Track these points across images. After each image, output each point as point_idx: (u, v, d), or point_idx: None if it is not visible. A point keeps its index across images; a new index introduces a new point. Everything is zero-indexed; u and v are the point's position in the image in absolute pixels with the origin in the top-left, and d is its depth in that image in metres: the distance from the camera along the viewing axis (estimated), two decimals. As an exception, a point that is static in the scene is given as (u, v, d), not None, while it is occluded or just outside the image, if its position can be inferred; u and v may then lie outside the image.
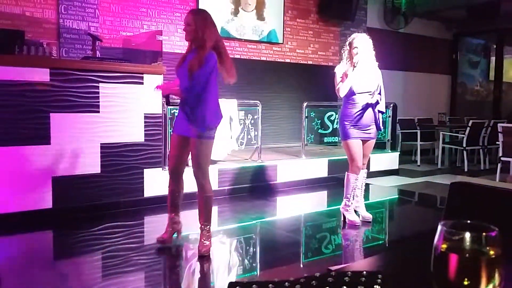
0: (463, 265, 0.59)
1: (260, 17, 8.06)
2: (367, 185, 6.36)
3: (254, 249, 4.04)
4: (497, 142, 6.96)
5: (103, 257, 3.62)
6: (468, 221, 0.63)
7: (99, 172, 4.62)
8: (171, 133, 3.70)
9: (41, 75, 4.28)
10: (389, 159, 7.59)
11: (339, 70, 4.30)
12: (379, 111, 4.38)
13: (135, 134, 4.81)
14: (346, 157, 4.49)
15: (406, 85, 10.25)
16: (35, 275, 3.21)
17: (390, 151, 7.64)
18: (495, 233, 0.60)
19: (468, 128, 7.91)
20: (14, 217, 4.16)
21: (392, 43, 9.59)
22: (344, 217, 4.52)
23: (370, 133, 4.37)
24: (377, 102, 4.34)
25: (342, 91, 4.23)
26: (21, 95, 4.20)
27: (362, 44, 4.21)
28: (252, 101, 6.33)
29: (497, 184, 1.27)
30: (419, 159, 8.53)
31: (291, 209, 5.59)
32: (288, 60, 8.46)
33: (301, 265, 3.63)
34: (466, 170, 7.82)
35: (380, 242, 4.34)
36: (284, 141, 8.21)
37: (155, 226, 4.63)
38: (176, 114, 3.89)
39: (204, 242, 3.47)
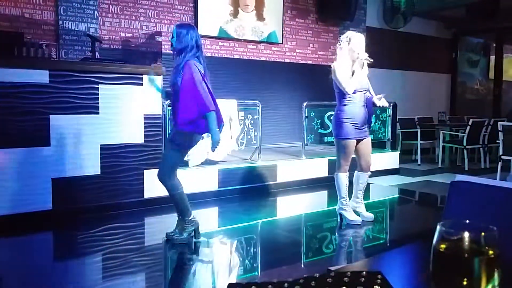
0: (462, 265, 0.59)
1: (260, 17, 8.06)
2: (368, 184, 6.36)
3: (255, 250, 4.03)
4: (497, 141, 6.96)
5: (103, 258, 3.62)
6: (467, 221, 0.63)
7: (99, 173, 4.62)
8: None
9: (41, 76, 4.28)
10: (390, 159, 7.59)
11: (340, 67, 4.23)
12: (370, 100, 4.36)
13: (135, 135, 4.81)
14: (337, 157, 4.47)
15: (405, 84, 10.25)
16: (36, 277, 3.21)
17: (390, 150, 7.63)
18: (494, 233, 0.60)
19: (468, 127, 7.91)
20: (14, 219, 4.16)
21: (391, 42, 9.60)
22: (341, 219, 4.51)
23: (366, 131, 4.38)
24: (370, 101, 4.34)
25: (351, 89, 4.18)
26: (21, 96, 4.20)
27: (361, 43, 4.22)
28: (251, 101, 6.33)
29: (497, 183, 1.26)
30: (420, 158, 8.52)
31: (291, 209, 5.59)
32: (287, 60, 8.46)
33: (302, 265, 3.62)
34: (466, 169, 7.81)
35: (381, 241, 4.34)
36: (284, 141, 8.21)
37: (155, 227, 4.64)
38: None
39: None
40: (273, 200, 5.79)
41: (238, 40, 7.80)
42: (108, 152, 4.65)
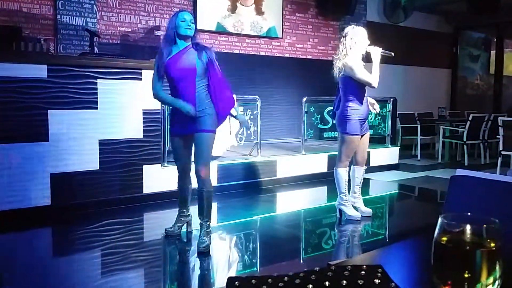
0: (464, 257, 0.58)
1: (259, 11, 8.02)
2: (367, 180, 6.37)
3: (254, 245, 4.03)
4: (497, 136, 6.95)
5: (102, 254, 3.61)
6: (469, 214, 0.63)
7: (98, 168, 4.61)
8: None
9: (39, 71, 4.27)
10: (389, 154, 7.58)
11: (357, 62, 4.17)
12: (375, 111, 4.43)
13: (134, 130, 4.80)
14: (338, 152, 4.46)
15: (406, 79, 10.24)
16: (35, 273, 3.20)
17: (390, 145, 7.63)
18: (496, 225, 0.59)
19: (469, 122, 7.91)
20: (13, 214, 4.15)
21: (392, 37, 9.56)
22: (341, 214, 4.51)
23: (367, 126, 4.39)
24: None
25: (377, 80, 4.17)
26: (19, 91, 4.18)
27: (365, 36, 4.23)
28: (251, 96, 6.31)
29: (497, 177, 1.26)
30: (419, 153, 8.53)
31: (291, 204, 5.59)
32: (287, 55, 8.44)
33: (301, 261, 3.62)
34: (466, 164, 7.81)
35: (380, 237, 4.34)
36: (284, 136, 8.20)
37: (154, 223, 4.63)
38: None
39: (204, 238, 3.46)
40: (273, 196, 5.78)
41: (238, 34, 7.78)
42: (107, 148, 4.65)
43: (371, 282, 0.74)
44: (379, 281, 0.74)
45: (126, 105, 4.74)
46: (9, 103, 4.15)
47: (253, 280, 0.76)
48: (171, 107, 3.62)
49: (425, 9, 10.37)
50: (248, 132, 6.12)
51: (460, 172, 1.33)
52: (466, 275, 0.57)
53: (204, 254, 3.43)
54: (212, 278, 3.22)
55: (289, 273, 0.79)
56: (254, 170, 5.95)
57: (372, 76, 4.16)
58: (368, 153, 6.65)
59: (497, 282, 0.58)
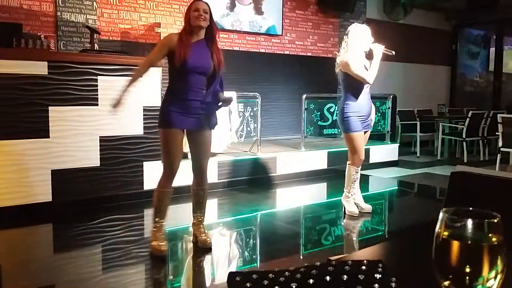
0: (465, 252, 0.59)
1: (258, 11, 7.98)
2: (367, 176, 6.38)
3: (254, 241, 4.04)
4: (496, 133, 6.96)
5: (103, 250, 3.62)
6: (470, 208, 0.63)
7: (99, 165, 4.62)
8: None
9: (39, 68, 4.26)
10: (389, 151, 7.59)
11: (354, 59, 4.16)
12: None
13: (134, 127, 4.80)
14: (345, 148, 4.47)
15: (405, 77, 10.23)
16: (36, 269, 3.21)
17: (389, 142, 7.63)
18: (497, 220, 0.60)
19: (468, 119, 7.91)
20: (14, 211, 4.16)
21: (391, 34, 9.54)
22: (345, 208, 4.53)
23: (369, 124, 4.37)
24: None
25: (372, 77, 4.17)
26: (20, 88, 4.18)
27: (367, 33, 4.22)
28: (251, 93, 6.31)
29: (497, 173, 1.26)
30: (419, 150, 8.53)
31: (291, 201, 5.59)
32: (287, 52, 8.43)
33: (301, 257, 3.63)
34: (465, 161, 7.82)
35: (380, 233, 4.35)
36: (284, 133, 8.20)
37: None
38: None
39: (207, 234, 3.50)
40: (273, 192, 5.79)
41: (238, 32, 7.76)
42: (108, 144, 4.65)
43: (372, 277, 0.74)
44: (380, 276, 0.75)
45: (127, 101, 4.72)
46: (10, 99, 4.15)
47: (254, 275, 0.77)
48: (171, 97, 3.30)
49: (424, 7, 10.35)
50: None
51: (460, 168, 1.34)
52: (467, 270, 0.58)
53: (205, 250, 3.43)
54: (213, 274, 3.23)
55: (290, 268, 0.79)
56: (254, 166, 5.96)
57: (368, 72, 4.15)
58: (368, 150, 6.68)
59: (498, 277, 0.58)
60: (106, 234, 3.90)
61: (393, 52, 4.28)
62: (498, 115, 6.89)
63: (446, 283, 0.60)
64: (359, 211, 4.47)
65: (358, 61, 4.18)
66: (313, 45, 8.77)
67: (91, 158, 4.57)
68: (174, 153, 3.31)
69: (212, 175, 5.55)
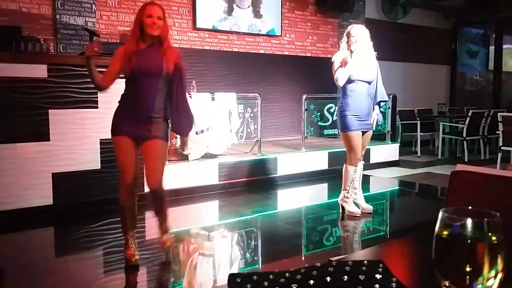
0: (465, 251, 0.58)
1: (257, 14, 7.96)
2: (367, 176, 6.38)
3: (255, 243, 4.04)
4: (497, 132, 6.95)
5: (104, 253, 3.62)
6: (470, 207, 0.63)
7: (99, 168, 4.61)
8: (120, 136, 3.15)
9: (39, 71, 4.26)
10: (389, 151, 7.58)
11: (337, 58, 4.26)
12: (381, 101, 4.39)
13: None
14: (346, 150, 4.47)
15: (405, 76, 10.23)
16: (37, 272, 3.21)
17: (390, 142, 7.63)
18: (497, 219, 0.59)
19: (468, 118, 7.90)
20: (15, 214, 4.16)
21: (390, 34, 9.56)
22: (343, 209, 4.52)
23: (368, 124, 4.36)
24: (375, 94, 4.35)
25: (341, 80, 4.18)
26: (19, 91, 4.18)
27: (360, 33, 4.19)
28: (251, 94, 6.31)
29: (497, 172, 1.26)
30: (419, 150, 8.52)
31: (292, 202, 5.59)
32: (286, 53, 8.43)
33: (303, 258, 3.63)
34: (466, 160, 7.81)
35: (381, 233, 4.34)
36: (284, 134, 8.20)
37: (156, 221, 4.62)
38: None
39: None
40: (274, 193, 5.79)
41: (237, 33, 7.76)
42: (108, 146, 4.63)
43: (372, 277, 0.74)
44: (380, 276, 0.75)
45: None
46: (10, 103, 4.15)
47: (254, 276, 0.77)
48: (122, 103, 3.19)
49: (423, 6, 10.36)
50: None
51: (460, 167, 1.33)
52: (467, 269, 0.58)
53: (206, 252, 3.43)
54: (214, 276, 3.22)
55: (290, 269, 0.79)
56: (255, 168, 5.95)
57: (340, 72, 4.18)
58: (368, 150, 6.67)
59: (498, 276, 0.58)
60: (107, 237, 3.90)
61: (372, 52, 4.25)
62: (498, 113, 6.88)
63: (446, 282, 0.59)
64: (360, 212, 4.46)
65: (340, 58, 4.21)
66: (312, 46, 8.77)
67: (92, 160, 4.57)
68: (124, 161, 3.15)
69: (213, 177, 5.55)
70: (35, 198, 4.28)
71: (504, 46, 11.53)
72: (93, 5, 6.20)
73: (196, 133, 4.79)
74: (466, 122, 7.91)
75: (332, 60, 4.30)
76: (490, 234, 0.58)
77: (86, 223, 4.22)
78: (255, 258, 3.62)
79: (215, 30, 7.50)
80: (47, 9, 5.95)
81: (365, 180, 4.63)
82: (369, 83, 4.28)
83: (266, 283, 0.74)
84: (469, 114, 7.94)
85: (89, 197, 4.55)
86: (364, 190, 4.69)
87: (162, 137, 3.16)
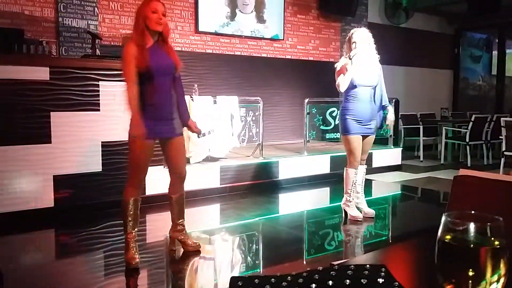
0: (468, 255, 0.58)
1: (260, 19, 7.96)
2: (370, 181, 6.36)
3: (257, 246, 4.03)
4: (500, 137, 6.95)
5: (105, 255, 3.61)
6: (473, 212, 0.62)
7: (101, 170, 4.62)
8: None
9: (41, 73, 4.27)
10: (392, 155, 7.57)
11: (339, 65, 4.28)
12: (383, 106, 4.39)
13: (136, 132, 4.79)
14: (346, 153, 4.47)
15: (408, 81, 10.23)
16: (37, 274, 3.21)
17: (392, 146, 7.62)
18: (500, 223, 0.59)
19: (471, 123, 7.89)
20: (16, 216, 4.16)
21: (393, 38, 9.57)
22: (346, 213, 4.51)
23: (370, 128, 4.35)
24: (380, 99, 4.35)
25: (342, 86, 4.19)
26: (21, 94, 4.19)
27: (361, 37, 4.19)
28: (253, 97, 6.31)
29: (500, 177, 1.25)
30: (422, 154, 8.51)
31: (294, 205, 5.58)
32: (289, 57, 8.44)
33: (304, 262, 3.61)
34: (469, 165, 7.79)
35: (383, 238, 4.33)
36: (286, 137, 8.20)
37: (156, 224, 4.63)
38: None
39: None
40: (275, 197, 5.78)
41: (239, 36, 7.77)
42: (110, 149, 4.65)
43: (375, 281, 0.74)
44: (383, 280, 0.74)
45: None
46: (12, 105, 4.16)
47: (256, 280, 0.76)
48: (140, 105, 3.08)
49: (426, 10, 10.36)
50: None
51: (463, 172, 1.33)
52: (470, 274, 0.57)
53: (207, 255, 3.42)
54: (216, 280, 3.21)
55: (292, 272, 0.78)
56: (257, 171, 5.95)
57: (341, 78, 4.19)
58: (371, 154, 6.67)
59: (501, 280, 0.58)
60: (108, 240, 3.90)
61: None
62: (502, 118, 6.87)
63: (449, 287, 0.59)
64: (362, 216, 4.45)
65: (343, 64, 4.22)
66: (314, 50, 8.78)
67: (93, 163, 4.57)
68: (143, 159, 3.18)
69: (215, 180, 5.55)
70: (36, 201, 4.29)
71: (507, 51, 11.52)
72: (96, 8, 6.22)
73: (198, 136, 4.79)
74: (469, 127, 7.90)
75: (335, 66, 4.32)
76: (493, 238, 0.58)
77: (87, 226, 4.22)
78: (257, 262, 3.61)
79: (217, 34, 7.51)
80: (49, 11, 5.97)
81: (368, 184, 4.63)
82: (372, 87, 4.28)
83: (267, 287, 0.74)
84: (472, 119, 7.93)
85: (90, 200, 4.55)
86: (366, 194, 4.68)
87: (182, 133, 3.33)
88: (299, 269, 0.78)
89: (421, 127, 8.70)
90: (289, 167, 6.23)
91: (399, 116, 8.07)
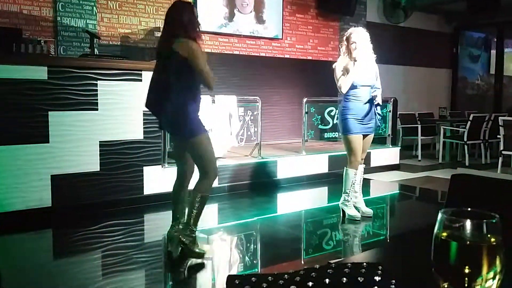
0: (464, 252, 0.58)
1: (260, 20, 7.95)
2: (368, 180, 6.36)
3: (255, 246, 4.03)
4: (498, 136, 6.95)
5: (103, 255, 3.61)
6: (469, 209, 0.62)
7: (98, 170, 4.61)
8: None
9: (39, 73, 4.27)
10: (390, 154, 7.58)
11: (338, 66, 4.27)
12: (377, 105, 4.38)
13: (134, 131, 4.80)
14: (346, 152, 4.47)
15: (406, 80, 10.23)
16: (35, 274, 3.20)
17: (390, 146, 7.62)
18: (496, 220, 0.59)
19: (469, 122, 7.89)
20: (14, 216, 4.15)
21: (391, 37, 9.57)
22: (344, 213, 4.51)
23: (370, 127, 4.35)
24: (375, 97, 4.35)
25: (345, 87, 4.19)
26: (19, 93, 4.19)
27: (360, 38, 4.19)
28: (251, 97, 6.31)
29: (497, 176, 1.25)
30: (420, 154, 8.51)
31: (292, 205, 5.58)
32: (287, 56, 8.43)
33: (302, 261, 3.62)
34: (467, 164, 7.80)
35: (381, 237, 4.33)
36: (284, 137, 8.19)
37: (155, 224, 4.63)
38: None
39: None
40: (274, 196, 5.78)
41: (238, 36, 7.77)
42: (108, 149, 4.64)
43: (371, 279, 0.74)
44: (380, 278, 0.74)
45: (126, 106, 4.74)
46: (10, 104, 4.16)
47: (253, 278, 0.76)
48: (194, 104, 3.44)
49: (425, 9, 10.36)
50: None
51: (461, 171, 1.33)
52: (466, 270, 0.57)
53: (205, 255, 3.42)
54: (213, 279, 3.21)
55: (289, 271, 0.78)
56: (255, 171, 5.95)
57: (343, 80, 4.18)
58: (369, 154, 6.67)
59: (497, 277, 0.58)
60: (106, 240, 3.89)
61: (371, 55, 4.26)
62: (500, 118, 6.88)
63: (445, 284, 0.59)
64: (360, 215, 4.45)
65: (342, 65, 4.22)
66: (313, 49, 8.78)
67: (91, 163, 4.57)
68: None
69: (213, 180, 5.54)
70: (34, 200, 4.28)
71: (506, 50, 11.54)
72: (94, 7, 6.21)
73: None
74: (467, 126, 7.90)
75: (333, 67, 4.30)
76: (489, 235, 0.58)
77: (85, 226, 4.21)
78: (255, 261, 3.61)
79: (216, 33, 7.50)
80: (48, 11, 5.96)
81: (366, 183, 4.63)
82: (371, 87, 4.29)
83: (264, 285, 0.74)
84: (470, 118, 7.94)
85: (88, 200, 4.55)
86: (364, 193, 4.68)
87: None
88: (297, 268, 0.78)
89: (419, 126, 8.70)
90: (287, 166, 6.23)
91: (397, 115, 8.06)
